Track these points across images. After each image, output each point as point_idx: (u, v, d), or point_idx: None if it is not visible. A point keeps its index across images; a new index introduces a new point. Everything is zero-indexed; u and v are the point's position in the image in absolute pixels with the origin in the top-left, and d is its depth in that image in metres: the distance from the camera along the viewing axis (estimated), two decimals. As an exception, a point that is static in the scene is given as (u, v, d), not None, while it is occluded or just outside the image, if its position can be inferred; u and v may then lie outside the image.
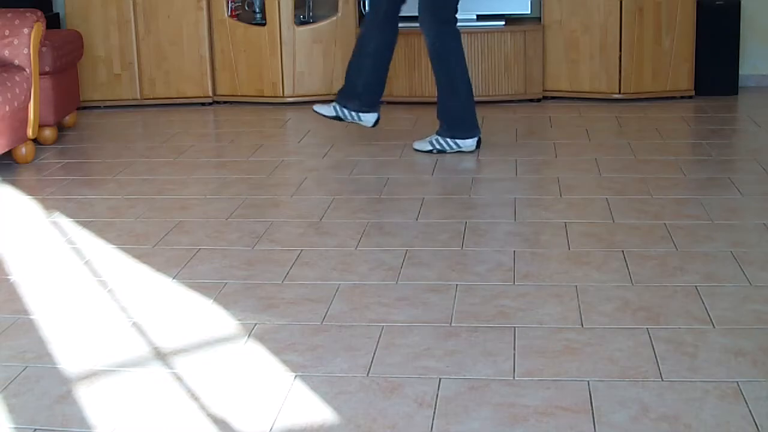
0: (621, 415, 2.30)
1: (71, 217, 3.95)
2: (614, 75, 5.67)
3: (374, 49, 4.66)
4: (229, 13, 5.94)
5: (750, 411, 2.29)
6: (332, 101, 4.80)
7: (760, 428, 2.22)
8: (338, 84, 5.89)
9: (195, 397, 2.46)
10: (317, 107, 4.80)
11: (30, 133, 4.82)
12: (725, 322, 2.78)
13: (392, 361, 2.62)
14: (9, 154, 4.82)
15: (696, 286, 3.03)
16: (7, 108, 4.50)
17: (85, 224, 3.86)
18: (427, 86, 5.64)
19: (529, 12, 5.75)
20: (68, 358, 2.69)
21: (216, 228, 3.76)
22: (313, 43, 5.87)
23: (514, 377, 2.50)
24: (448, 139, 4.68)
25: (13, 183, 4.50)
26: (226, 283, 3.21)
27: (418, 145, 4.74)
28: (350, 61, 4.77)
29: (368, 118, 4.77)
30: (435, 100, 5.44)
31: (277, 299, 3.06)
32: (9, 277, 3.32)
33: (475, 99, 5.70)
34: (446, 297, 3.03)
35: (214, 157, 4.92)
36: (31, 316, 2.98)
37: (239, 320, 2.91)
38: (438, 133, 4.70)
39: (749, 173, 4.26)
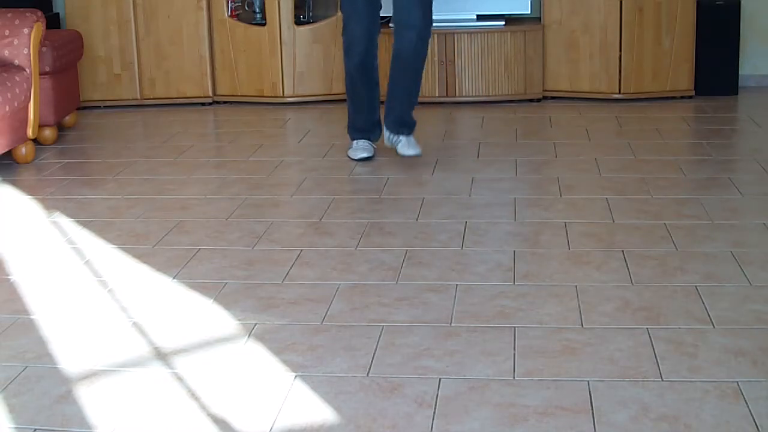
0: (621, 415, 2.30)
1: (71, 217, 3.95)
2: (614, 75, 5.67)
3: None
4: (229, 13, 5.94)
5: (750, 411, 2.29)
6: (363, 142, 4.63)
7: (760, 428, 2.22)
8: (338, 84, 5.91)
9: (195, 397, 2.46)
10: (357, 154, 4.61)
11: (30, 133, 4.82)
12: (725, 322, 2.78)
13: (392, 361, 2.62)
14: (9, 154, 4.83)
15: (696, 286, 3.04)
16: (7, 108, 4.50)
17: (85, 224, 3.86)
18: (427, 86, 5.63)
19: (529, 12, 5.75)
20: (68, 358, 2.69)
21: (216, 228, 3.76)
22: (313, 43, 5.87)
23: (514, 377, 2.50)
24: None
25: (13, 183, 4.50)
26: (226, 283, 3.21)
27: (413, 151, 4.56)
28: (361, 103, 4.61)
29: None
30: (434, 100, 5.45)
31: (277, 299, 3.06)
32: (9, 277, 3.32)
33: (476, 99, 5.75)
34: (446, 297, 3.03)
35: (214, 157, 4.92)
36: (31, 316, 2.98)
37: (239, 320, 2.91)
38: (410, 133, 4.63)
39: (749, 173, 4.26)
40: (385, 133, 4.62)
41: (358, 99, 4.62)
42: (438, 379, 2.50)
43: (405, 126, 4.57)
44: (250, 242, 3.59)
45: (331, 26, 5.86)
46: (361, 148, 4.63)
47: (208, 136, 5.47)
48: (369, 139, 4.67)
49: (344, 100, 5.90)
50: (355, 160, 4.61)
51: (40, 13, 4.87)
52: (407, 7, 4.42)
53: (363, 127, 4.66)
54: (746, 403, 2.33)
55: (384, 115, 4.62)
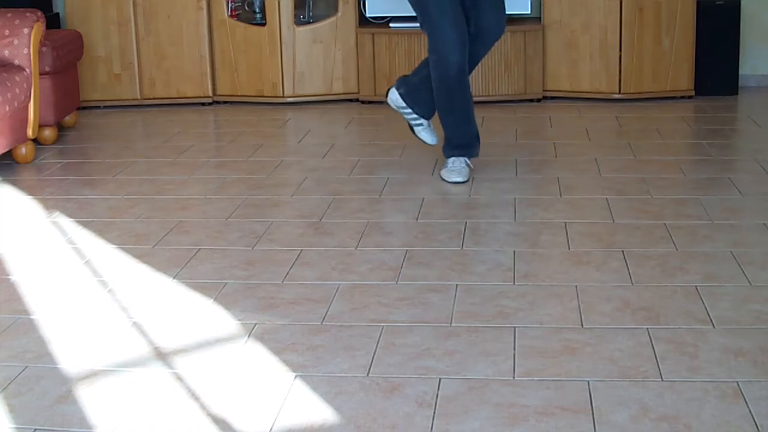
0: (621, 415, 2.30)
1: (71, 217, 3.95)
2: (614, 75, 5.67)
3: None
4: (229, 13, 5.94)
5: (750, 411, 2.29)
6: (461, 160, 4.28)
7: (760, 428, 2.22)
8: (338, 84, 5.91)
9: (195, 397, 2.46)
10: (454, 177, 4.23)
11: (30, 133, 4.82)
12: (725, 322, 2.78)
13: (392, 361, 2.62)
14: (9, 154, 4.83)
15: (696, 286, 3.04)
16: (7, 108, 4.50)
17: (85, 224, 3.86)
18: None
19: (529, 12, 5.75)
20: (68, 358, 2.69)
21: (216, 228, 3.76)
22: (313, 43, 5.87)
23: (514, 377, 2.50)
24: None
25: (13, 183, 4.50)
26: (226, 283, 3.21)
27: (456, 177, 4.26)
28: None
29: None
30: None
31: (277, 299, 3.06)
32: (9, 277, 3.32)
33: (476, 99, 5.73)
34: (446, 297, 3.03)
35: (214, 157, 4.92)
36: (31, 316, 2.98)
37: (239, 320, 2.91)
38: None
39: (749, 173, 4.26)
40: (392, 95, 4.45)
41: (457, 110, 4.22)
42: (438, 379, 2.50)
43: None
44: (250, 242, 3.59)
45: (331, 26, 5.86)
46: (457, 171, 4.24)
47: (208, 136, 5.47)
48: (467, 156, 4.30)
49: (345, 100, 5.94)
50: (449, 182, 4.24)
51: (40, 13, 4.87)
52: (489, 15, 4.14)
53: (461, 142, 4.28)
54: (746, 403, 2.33)
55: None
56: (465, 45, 4.08)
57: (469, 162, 4.33)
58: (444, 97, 4.19)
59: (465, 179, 4.24)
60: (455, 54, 4.05)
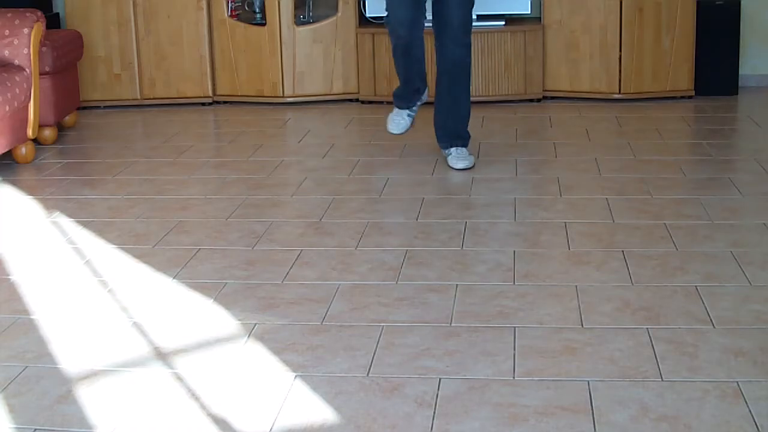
0: (621, 415, 2.30)
1: (71, 217, 3.95)
2: (614, 75, 5.67)
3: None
4: (229, 13, 5.94)
5: (750, 411, 2.29)
6: (403, 113, 4.66)
7: (760, 428, 2.22)
8: (338, 84, 5.91)
9: (195, 397, 2.46)
10: (392, 128, 4.68)
11: (30, 133, 4.82)
12: (725, 322, 2.78)
13: (392, 361, 2.62)
14: (9, 154, 4.83)
15: (696, 286, 3.04)
16: (7, 108, 4.50)
17: (85, 224, 3.86)
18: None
19: (529, 12, 5.75)
20: (68, 358, 2.69)
21: (216, 228, 3.76)
22: (313, 43, 5.87)
23: (514, 377, 2.51)
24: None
25: (13, 183, 4.51)
26: (226, 283, 3.21)
27: (462, 164, 4.48)
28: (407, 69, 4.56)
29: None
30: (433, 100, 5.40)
31: (277, 299, 3.06)
32: (9, 277, 3.32)
33: (476, 99, 5.73)
34: (446, 297, 3.03)
35: (214, 157, 4.92)
36: (31, 316, 2.98)
37: (239, 320, 2.91)
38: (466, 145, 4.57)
39: (749, 173, 4.26)
40: (439, 143, 4.58)
41: (401, 71, 4.54)
42: (438, 379, 2.50)
43: (458, 138, 4.50)
44: (250, 242, 3.59)
45: (331, 26, 5.86)
46: (395, 123, 4.67)
47: (208, 136, 5.47)
48: (407, 107, 4.63)
49: (345, 100, 5.95)
50: (390, 133, 4.72)
51: (40, 13, 4.88)
52: (447, 18, 4.34)
53: (402, 94, 4.61)
54: (746, 403, 2.33)
55: (435, 127, 4.54)
56: (414, 24, 4.35)
57: (411, 112, 4.69)
58: (395, 58, 4.54)
59: (401, 131, 4.70)
60: (402, 30, 4.35)
